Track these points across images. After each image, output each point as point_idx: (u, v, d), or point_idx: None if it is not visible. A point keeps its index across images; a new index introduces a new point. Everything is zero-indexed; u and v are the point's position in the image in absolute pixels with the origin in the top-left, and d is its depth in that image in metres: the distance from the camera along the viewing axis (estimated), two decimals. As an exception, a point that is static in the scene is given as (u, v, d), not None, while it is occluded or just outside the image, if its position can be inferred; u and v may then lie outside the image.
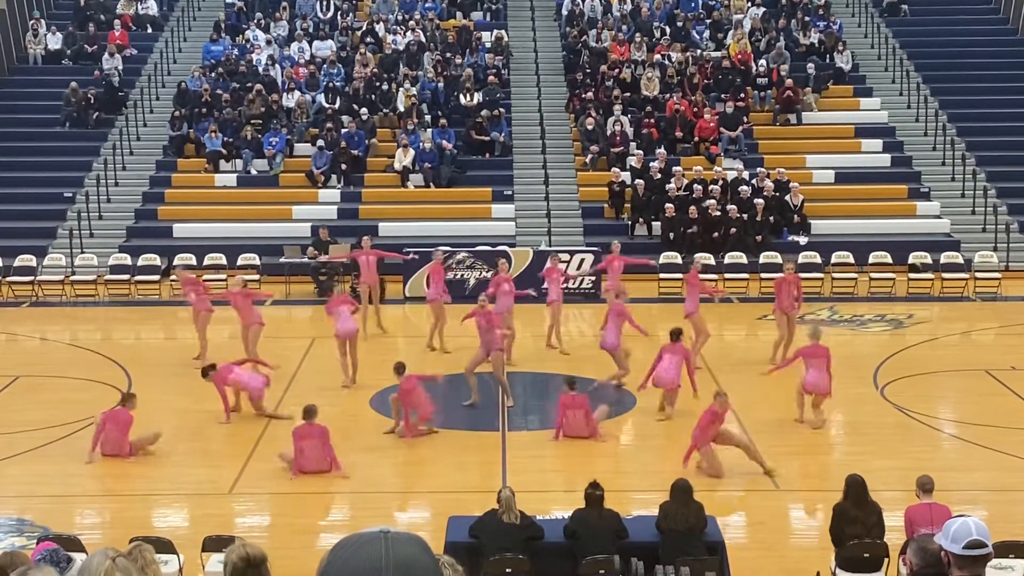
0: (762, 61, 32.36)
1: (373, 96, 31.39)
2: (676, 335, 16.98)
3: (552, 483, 15.02)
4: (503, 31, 34.37)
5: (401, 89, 31.37)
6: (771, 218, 27.40)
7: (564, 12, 35.14)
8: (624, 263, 21.65)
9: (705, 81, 31.71)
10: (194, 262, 26.15)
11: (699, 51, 32.91)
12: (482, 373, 17.76)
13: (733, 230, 26.92)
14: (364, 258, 21.96)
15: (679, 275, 23.25)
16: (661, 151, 29.14)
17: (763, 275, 24.76)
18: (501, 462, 15.49)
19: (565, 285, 22.07)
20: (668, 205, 27.29)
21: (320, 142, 29.54)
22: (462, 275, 24.62)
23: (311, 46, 33.44)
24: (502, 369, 17.88)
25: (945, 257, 26.18)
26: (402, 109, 30.95)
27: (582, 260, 25.02)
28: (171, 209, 28.76)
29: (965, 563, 4.75)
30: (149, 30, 35.33)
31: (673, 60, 32.44)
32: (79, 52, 33.63)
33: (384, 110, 31.22)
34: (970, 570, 4.76)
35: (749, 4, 34.75)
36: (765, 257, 26.00)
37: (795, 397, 16.70)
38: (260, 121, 30.50)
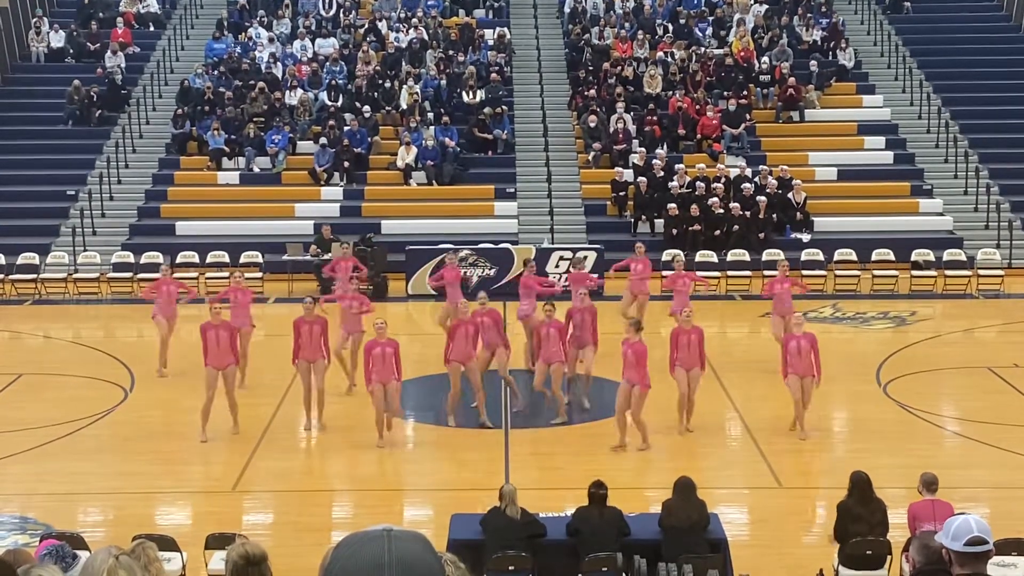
0: (765, 58, 32.33)
1: (376, 94, 31.39)
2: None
3: (554, 481, 15.02)
4: (505, 28, 34.34)
5: (404, 87, 31.36)
6: (774, 215, 27.40)
7: (567, 9, 35.11)
8: (648, 267, 21.03)
9: (708, 78, 31.69)
10: (197, 260, 26.22)
11: (702, 48, 32.89)
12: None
13: (736, 227, 26.92)
14: (343, 264, 21.61)
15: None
16: (661, 150, 29.13)
17: (766, 272, 24.75)
18: (504, 460, 15.50)
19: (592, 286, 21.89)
20: (671, 204, 27.30)
21: (323, 140, 29.55)
22: (465, 272, 24.59)
23: (314, 44, 33.44)
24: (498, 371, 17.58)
25: (948, 254, 26.16)
26: (404, 107, 30.94)
27: (585, 257, 24.99)
28: (174, 207, 28.77)
29: (966, 560, 4.76)
30: (152, 28, 35.35)
31: (676, 57, 32.41)
32: (82, 50, 33.63)
33: (387, 108, 31.21)
34: (971, 567, 4.76)
35: (752, 2, 34.72)
36: (768, 255, 25.98)
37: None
38: (263, 119, 30.51)
